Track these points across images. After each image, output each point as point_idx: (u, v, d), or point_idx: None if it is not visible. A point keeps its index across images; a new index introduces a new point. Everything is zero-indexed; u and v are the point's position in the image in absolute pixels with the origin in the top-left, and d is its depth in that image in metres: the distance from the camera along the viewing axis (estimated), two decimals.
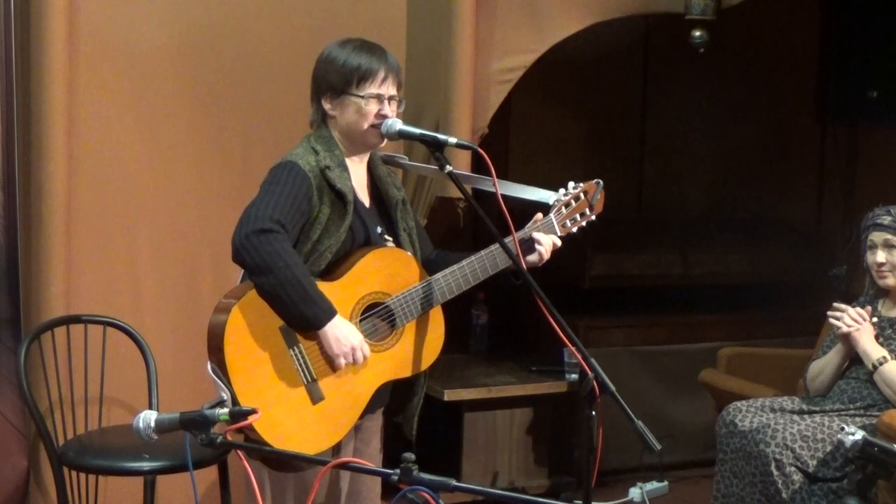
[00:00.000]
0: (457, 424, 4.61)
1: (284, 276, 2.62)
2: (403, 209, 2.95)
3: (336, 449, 2.80)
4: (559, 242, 2.94)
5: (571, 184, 3.00)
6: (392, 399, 2.97)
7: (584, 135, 5.67)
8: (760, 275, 5.60)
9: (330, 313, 2.69)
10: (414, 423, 2.99)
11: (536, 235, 2.90)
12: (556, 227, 2.94)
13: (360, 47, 2.84)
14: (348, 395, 2.77)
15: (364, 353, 2.74)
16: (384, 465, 2.98)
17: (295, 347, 2.70)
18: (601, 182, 3.01)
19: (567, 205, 2.97)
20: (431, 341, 2.90)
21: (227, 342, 2.63)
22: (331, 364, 2.74)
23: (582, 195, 2.99)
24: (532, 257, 2.90)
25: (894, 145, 5.34)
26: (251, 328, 2.66)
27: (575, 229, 2.99)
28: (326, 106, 2.84)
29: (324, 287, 2.72)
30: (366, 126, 2.81)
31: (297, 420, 2.69)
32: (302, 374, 2.70)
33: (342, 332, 2.70)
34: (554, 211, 2.95)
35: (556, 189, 2.99)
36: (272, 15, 4.05)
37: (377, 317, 2.80)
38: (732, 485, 3.74)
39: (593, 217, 3.02)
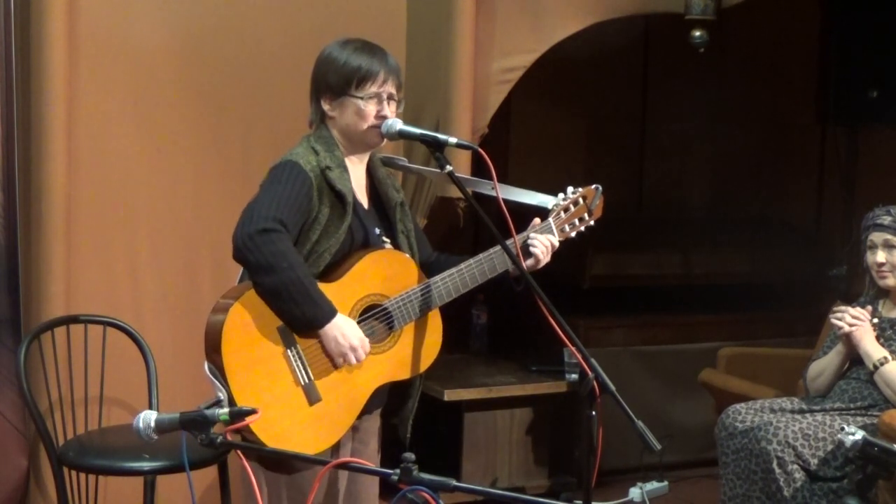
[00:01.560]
0: (457, 424, 4.61)
1: (287, 276, 2.62)
2: (402, 211, 2.95)
3: (334, 450, 2.79)
4: (557, 243, 2.93)
5: (570, 188, 3.00)
6: (389, 400, 2.97)
7: (584, 135, 5.67)
8: (760, 275, 5.60)
9: (331, 313, 2.69)
10: (409, 425, 2.98)
11: (533, 237, 2.90)
12: (555, 231, 2.94)
13: (360, 48, 2.83)
14: (345, 397, 2.77)
15: (365, 349, 2.74)
16: (383, 466, 2.98)
17: (292, 348, 2.70)
18: (600, 187, 3.01)
19: (566, 209, 2.96)
20: (429, 344, 2.89)
21: (225, 342, 2.63)
22: (328, 364, 2.74)
23: (581, 200, 2.98)
24: (529, 261, 2.89)
25: (894, 145, 5.34)
26: (249, 328, 2.66)
27: (573, 234, 2.99)
28: (326, 106, 2.83)
29: (322, 288, 2.71)
30: (365, 127, 2.80)
31: (293, 421, 2.69)
32: (299, 375, 2.70)
33: (342, 332, 2.70)
34: (553, 215, 2.95)
35: (555, 193, 2.99)
36: (272, 15, 4.05)
37: (375, 319, 2.80)
38: (736, 486, 3.74)
39: (592, 222, 3.01)
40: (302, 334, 2.71)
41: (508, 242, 2.81)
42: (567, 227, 2.97)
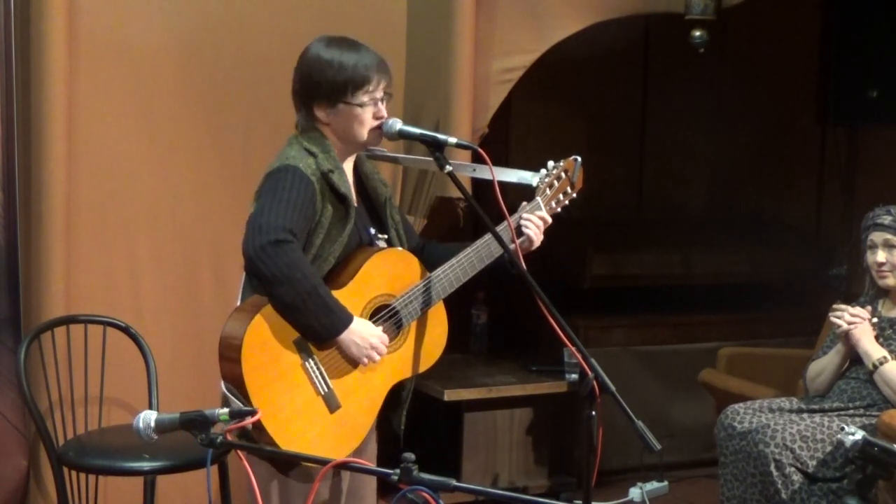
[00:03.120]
0: (457, 424, 4.61)
1: (302, 287, 2.59)
2: (390, 204, 2.94)
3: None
4: (549, 218, 2.92)
5: (551, 163, 3.00)
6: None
7: (584, 134, 5.67)
8: (760, 275, 5.60)
9: (347, 320, 2.68)
10: (402, 417, 2.97)
11: (525, 217, 2.89)
12: (544, 209, 2.94)
13: (347, 49, 2.78)
14: (363, 400, 2.78)
15: (385, 343, 2.74)
16: (383, 465, 2.98)
17: (310, 359, 2.69)
18: (579, 159, 3.02)
19: (550, 185, 2.97)
20: (436, 337, 2.90)
21: (245, 361, 2.60)
22: (345, 371, 2.73)
23: (563, 174, 2.99)
24: (522, 241, 2.88)
25: (894, 145, 5.34)
26: (267, 345, 2.63)
27: (559, 209, 2.99)
28: (320, 114, 2.79)
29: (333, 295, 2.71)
30: (365, 132, 2.79)
31: (316, 431, 2.69)
32: (318, 385, 2.69)
33: (360, 335, 2.69)
34: (539, 193, 2.95)
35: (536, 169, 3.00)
36: (272, 15, 4.05)
37: (384, 320, 2.80)
38: (735, 487, 3.74)
39: (574, 195, 3.02)
40: (319, 345, 2.70)
41: (502, 228, 2.81)
42: (553, 204, 2.98)
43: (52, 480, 3.53)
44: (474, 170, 2.84)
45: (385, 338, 2.75)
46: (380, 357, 2.74)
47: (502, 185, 2.82)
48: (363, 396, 2.78)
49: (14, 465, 3.77)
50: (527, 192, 2.97)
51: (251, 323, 2.62)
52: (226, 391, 2.65)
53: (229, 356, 2.64)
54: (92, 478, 3.67)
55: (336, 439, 2.72)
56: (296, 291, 2.60)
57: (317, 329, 2.65)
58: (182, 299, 3.98)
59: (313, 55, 2.81)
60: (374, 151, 3.01)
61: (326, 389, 2.71)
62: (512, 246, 2.81)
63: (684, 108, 5.71)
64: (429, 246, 3.03)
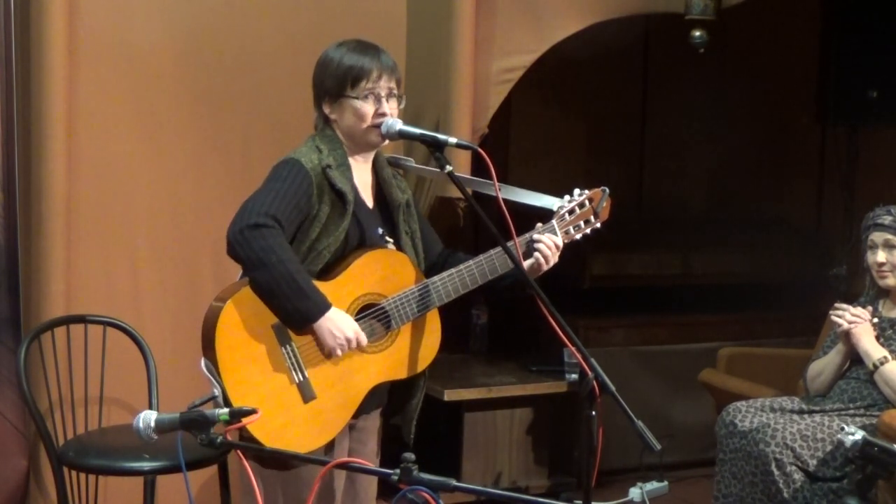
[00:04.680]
0: (457, 424, 4.61)
1: (277, 271, 2.63)
2: (407, 212, 2.94)
3: (328, 448, 2.79)
4: (560, 242, 2.90)
5: (577, 191, 2.97)
6: (390, 400, 2.96)
7: (584, 135, 5.67)
8: (760, 275, 5.60)
9: (323, 307, 2.69)
10: (412, 426, 2.97)
11: (537, 237, 2.89)
12: (558, 233, 2.91)
13: (353, 48, 2.83)
14: (341, 395, 2.77)
15: (361, 341, 2.74)
16: (383, 466, 2.97)
17: (287, 346, 2.70)
18: (607, 189, 2.97)
19: (571, 211, 2.93)
20: (427, 344, 2.89)
21: (219, 339, 2.64)
22: (324, 362, 2.74)
23: (587, 202, 2.95)
24: (531, 262, 2.87)
25: (894, 145, 5.34)
26: (243, 325, 2.67)
27: (579, 236, 2.95)
28: (326, 110, 2.84)
29: (318, 286, 2.72)
30: (364, 126, 2.81)
31: (287, 418, 2.69)
32: (293, 373, 2.70)
33: (336, 325, 2.70)
34: (556, 217, 2.92)
35: (554, 193, 2.97)
36: (272, 15, 4.05)
37: (372, 317, 2.80)
38: (731, 485, 3.74)
39: (598, 225, 2.97)
40: (297, 331, 2.71)
41: (509, 244, 2.80)
42: (572, 230, 2.94)
43: (52, 480, 3.53)
44: (500, 188, 2.81)
45: (363, 336, 2.75)
46: (349, 351, 2.74)
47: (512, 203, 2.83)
48: (340, 391, 2.77)
49: (14, 465, 3.77)
50: (545, 214, 2.95)
51: (227, 303, 2.66)
52: (203, 368, 2.67)
53: (205, 335, 2.68)
54: (92, 478, 3.67)
55: (308, 430, 2.72)
56: (270, 275, 2.63)
57: (291, 313, 2.67)
58: (182, 299, 3.98)
59: (323, 55, 2.88)
60: (401, 162, 3.03)
61: (301, 378, 2.71)
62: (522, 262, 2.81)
63: (684, 108, 5.72)
64: (452, 257, 3.01)
